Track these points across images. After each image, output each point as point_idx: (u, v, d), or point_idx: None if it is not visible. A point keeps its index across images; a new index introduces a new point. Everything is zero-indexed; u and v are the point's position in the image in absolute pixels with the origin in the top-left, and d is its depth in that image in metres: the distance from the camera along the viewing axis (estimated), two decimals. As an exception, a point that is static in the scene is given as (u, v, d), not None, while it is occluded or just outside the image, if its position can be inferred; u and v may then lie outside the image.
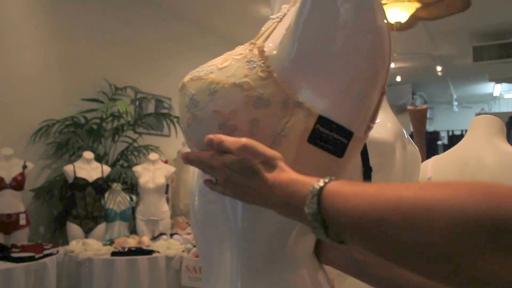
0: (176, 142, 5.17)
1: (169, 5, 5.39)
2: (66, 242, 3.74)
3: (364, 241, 0.48)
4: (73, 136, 4.18)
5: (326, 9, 0.60)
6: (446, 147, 8.89)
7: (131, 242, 3.67)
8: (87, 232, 3.84)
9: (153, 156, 4.39)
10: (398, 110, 7.68)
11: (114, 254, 3.42)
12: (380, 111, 0.67)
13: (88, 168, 3.91)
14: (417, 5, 3.85)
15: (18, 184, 3.42)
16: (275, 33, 0.67)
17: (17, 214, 3.42)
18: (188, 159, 0.64)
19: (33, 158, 3.83)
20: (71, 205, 3.84)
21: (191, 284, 3.35)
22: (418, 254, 0.42)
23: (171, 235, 4.14)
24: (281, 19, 0.70)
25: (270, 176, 0.56)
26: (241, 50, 0.64)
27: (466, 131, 1.68)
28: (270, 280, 0.67)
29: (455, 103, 11.00)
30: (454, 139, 9.24)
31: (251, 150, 0.57)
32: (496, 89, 9.43)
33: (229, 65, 0.62)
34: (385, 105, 1.03)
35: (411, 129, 3.48)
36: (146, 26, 5.21)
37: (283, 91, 0.60)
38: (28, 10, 4.07)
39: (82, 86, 4.44)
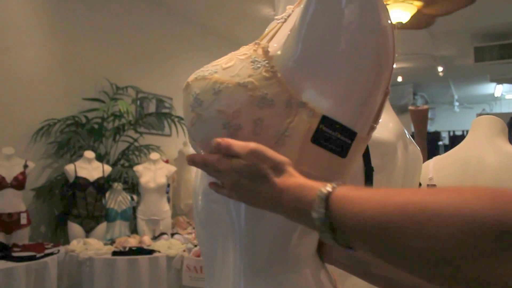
0: (177, 142, 5.18)
1: (171, 5, 5.39)
2: (67, 241, 3.74)
3: (371, 246, 0.48)
4: (74, 135, 4.18)
5: (330, 10, 0.60)
6: (447, 148, 8.90)
7: (132, 241, 3.68)
8: (88, 231, 3.84)
9: (154, 155, 4.39)
10: (399, 110, 7.67)
11: (115, 253, 3.42)
12: (381, 112, 0.67)
13: (89, 168, 3.92)
14: (418, 4, 3.85)
15: (19, 183, 3.42)
16: (279, 34, 0.67)
17: (18, 214, 3.42)
18: (193, 162, 0.64)
19: (34, 158, 3.84)
20: (72, 204, 3.84)
21: (192, 284, 3.35)
22: (424, 259, 0.42)
23: (172, 234, 4.14)
24: (285, 20, 0.70)
25: (279, 181, 0.56)
26: (246, 50, 0.64)
27: (467, 131, 1.68)
28: (273, 280, 0.67)
29: (456, 103, 10.99)
30: (455, 139, 9.24)
31: (260, 155, 0.57)
32: (497, 89, 9.43)
33: (233, 65, 0.62)
34: (386, 105, 1.03)
35: (412, 129, 3.48)
36: (148, 26, 5.21)
37: (287, 91, 0.60)
38: (29, 9, 4.07)
39: (83, 86, 4.44)
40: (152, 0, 5.26)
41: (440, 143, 9.97)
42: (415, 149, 1.12)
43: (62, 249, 3.41)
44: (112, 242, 3.70)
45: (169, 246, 3.64)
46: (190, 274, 3.35)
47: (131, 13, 5.05)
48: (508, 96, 10.52)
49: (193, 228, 4.39)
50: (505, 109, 10.54)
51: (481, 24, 5.89)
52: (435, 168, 1.62)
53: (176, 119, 4.83)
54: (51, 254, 3.23)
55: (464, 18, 4.75)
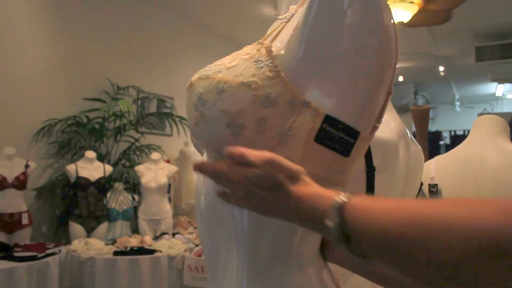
0: (178, 142, 5.18)
1: (171, 4, 5.39)
2: (68, 241, 3.74)
3: (384, 256, 0.48)
4: (75, 135, 4.18)
5: (333, 10, 0.60)
6: (448, 147, 8.89)
7: (133, 241, 3.68)
8: (89, 231, 3.84)
9: (155, 155, 4.39)
10: (401, 110, 7.65)
11: (116, 253, 3.43)
12: (383, 111, 0.67)
13: (90, 168, 3.92)
14: (419, 3, 3.85)
15: (20, 183, 3.43)
16: (282, 33, 0.67)
17: (20, 214, 3.42)
18: (202, 171, 0.63)
19: (35, 158, 3.84)
20: (73, 204, 3.84)
21: (193, 284, 3.35)
22: (435, 272, 0.42)
23: (173, 234, 4.14)
24: (289, 20, 0.70)
25: (295, 190, 0.56)
26: (249, 50, 0.65)
27: (468, 131, 1.68)
28: (276, 279, 0.67)
29: (458, 103, 10.97)
30: (456, 139, 9.24)
31: (275, 164, 0.57)
32: (499, 89, 9.42)
33: (237, 65, 0.62)
34: (388, 105, 1.03)
35: (414, 129, 3.48)
36: (148, 26, 5.21)
37: (291, 91, 0.60)
38: (30, 9, 4.08)
39: (84, 86, 4.44)
40: (153, 0, 5.27)
41: (441, 142, 9.97)
42: (417, 149, 1.12)
43: (63, 249, 3.41)
44: (113, 242, 3.71)
45: (170, 246, 3.64)
46: (192, 274, 3.35)
47: (132, 13, 5.05)
48: (509, 96, 10.51)
49: (194, 228, 4.39)
50: (506, 109, 10.54)
51: (483, 23, 5.88)
52: (437, 168, 1.61)
53: (177, 119, 4.83)
54: (53, 254, 3.23)
55: (466, 18, 4.74)
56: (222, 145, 0.62)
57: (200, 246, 3.37)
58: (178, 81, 4.79)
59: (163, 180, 4.25)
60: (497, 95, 10.02)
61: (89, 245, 3.50)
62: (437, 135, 9.91)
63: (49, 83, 4.15)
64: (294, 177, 0.57)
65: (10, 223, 3.36)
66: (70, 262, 3.40)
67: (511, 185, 1.44)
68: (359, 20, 0.59)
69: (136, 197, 4.34)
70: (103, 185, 3.95)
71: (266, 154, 0.57)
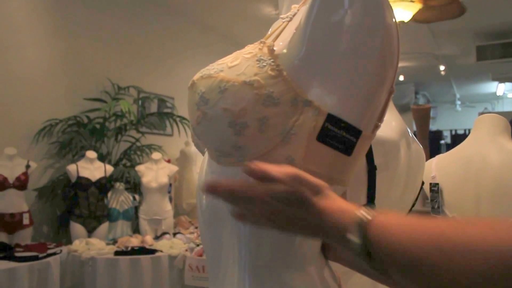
0: (179, 142, 5.18)
1: (172, 4, 5.39)
2: (69, 241, 3.74)
3: (406, 275, 0.48)
4: (76, 135, 4.18)
5: (335, 9, 0.60)
6: (449, 147, 8.88)
7: (134, 241, 3.68)
8: (90, 231, 3.84)
9: (156, 155, 4.40)
10: (401, 109, 7.61)
11: (117, 253, 3.43)
12: (384, 110, 0.67)
13: (91, 168, 3.92)
14: (420, 5, 3.84)
15: (21, 183, 3.43)
16: (285, 32, 0.67)
17: (21, 214, 3.42)
18: (215, 190, 0.59)
19: (36, 158, 3.84)
20: (74, 204, 3.85)
21: (194, 283, 3.36)
22: None
23: (174, 234, 4.15)
24: (291, 19, 0.70)
25: (319, 204, 0.55)
26: (251, 49, 0.65)
27: (469, 130, 1.68)
28: (278, 278, 0.67)
29: (458, 102, 10.97)
30: (457, 138, 9.24)
31: (299, 178, 0.56)
32: (499, 88, 9.41)
33: (239, 64, 0.62)
34: (390, 104, 1.03)
35: (414, 128, 3.48)
36: (149, 26, 5.21)
37: (293, 90, 0.60)
38: (30, 9, 4.08)
39: (85, 86, 4.45)
40: (153, 0, 5.27)
41: (442, 142, 9.97)
42: (418, 148, 1.11)
43: (64, 249, 3.42)
44: (114, 242, 3.71)
45: (171, 246, 3.64)
46: (192, 273, 3.35)
47: (132, 13, 5.05)
48: (510, 95, 10.50)
49: (195, 228, 4.39)
50: (507, 108, 10.53)
51: (483, 23, 5.88)
52: (438, 167, 1.61)
53: (178, 119, 4.83)
54: (54, 254, 3.23)
55: (466, 17, 4.73)
56: (224, 144, 0.62)
57: (201, 246, 3.38)
58: (179, 81, 4.80)
59: (164, 180, 4.25)
60: (498, 94, 10.02)
61: (90, 245, 3.51)
62: (438, 135, 9.91)
63: (49, 83, 4.15)
64: (318, 192, 0.56)
65: (11, 223, 3.36)
66: (71, 262, 3.41)
67: (513, 184, 1.44)
68: (361, 19, 0.59)
69: (137, 197, 4.35)
70: (104, 185, 3.95)
71: (289, 169, 0.56)
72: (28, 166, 3.53)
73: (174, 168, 4.50)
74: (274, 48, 0.63)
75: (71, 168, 3.84)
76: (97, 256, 3.33)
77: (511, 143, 1.53)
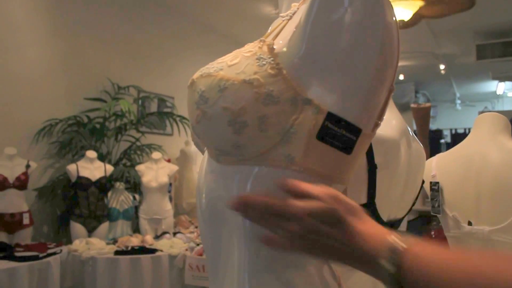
0: (179, 141, 5.18)
1: (171, 3, 5.39)
2: (69, 241, 3.75)
3: None
4: (76, 135, 4.19)
5: (335, 7, 0.60)
6: (449, 146, 8.89)
7: (134, 241, 3.68)
8: (90, 231, 3.85)
9: (156, 155, 4.40)
10: (401, 108, 7.61)
11: (117, 253, 3.43)
12: (384, 109, 0.67)
13: (91, 167, 3.92)
14: (420, 3, 3.84)
15: (21, 183, 3.43)
16: (284, 31, 0.67)
17: (21, 214, 3.43)
18: (246, 206, 0.58)
19: (36, 158, 3.84)
20: (74, 204, 3.85)
21: (194, 283, 3.36)
22: None
23: (174, 234, 4.15)
24: (291, 17, 0.70)
25: (353, 225, 0.54)
26: (251, 48, 0.65)
27: (469, 129, 1.68)
28: (278, 276, 0.67)
29: (458, 101, 10.97)
30: (457, 137, 9.24)
31: (336, 197, 0.55)
32: (499, 87, 9.41)
33: (239, 62, 0.62)
34: (390, 102, 1.02)
35: (414, 127, 3.48)
36: (149, 25, 5.21)
37: (293, 88, 0.60)
38: (30, 9, 4.08)
39: (85, 86, 4.45)
40: (153, 0, 5.26)
41: (442, 141, 9.97)
42: (418, 147, 1.11)
43: (64, 248, 3.42)
44: (114, 241, 3.71)
45: (171, 245, 3.64)
46: (193, 273, 3.35)
47: (132, 12, 5.05)
48: (510, 94, 10.50)
49: (195, 227, 4.40)
50: (507, 107, 10.52)
51: (483, 22, 5.88)
52: (438, 165, 1.61)
53: (177, 118, 4.83)
54: (54, 254, 3.24)
55: (466, 16, 4.73)
56: (223, 143, 0.62)
57: (201, 245, 3.38)
58: (179, 81, 4.80)
59: (164, 179, 4.25)
60: (498, 93, 10.02)
61: (90, 244, 3.51)
62: (438, 134, 9.91)
63: (49, 83, 4.15)
64: (354, 213, 0.55)
65: (11, 223, 3.37)
66: (71, 262, 3.41)
67: (513, 182, 1.43)
68: (361, 17, 0.59)
69: (137, 196, 4.35)
70: (104, 185, 3.96)
71: (326, 189, 0.56)
72: (28, 166, 3.53)
73: (174, 167, 4.50)
74: (274, 47, 0.63)
75: (71, 168, 3.84)
76: (97, 256, 3.34)
77: (511, 142, 1.53)
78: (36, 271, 3.03)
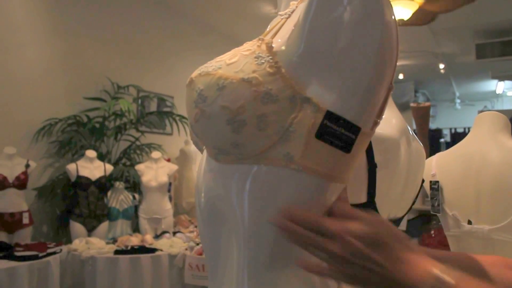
0: (178, 141, 5.18)
1: (171, 3, 5.39)
2: (69, 240, 3.75)
3: None
4: (75, 134, 4.19)
5: (333, 5, 0.60)
6: (449, 145, 8.89)
7: (134, 240, 3.68)
8: (90, 230, 3.85)
9: (155, 154, 4.40)
10: (401, 108, 7.59)
11: (117, 252, 3.43)
12: (384, 108, 0.67)
13: (91, 167, 3.92)
14: (419, 1, 3.84)
15: (21, 183, 3.43)
16: (283, 29, 0.67)
17: (20, 213, 3.43)
18: (292, 221, 0.57)
19: (36, 157, 3.84)
20: (74, 203, 3.85)
21: (194, 282, 3.36)
22: None
23: (174, 233, 4.15)
24: (289, 16, 0.70)
25: (398, 252, 0.53)
26: (249, 46, 0.64)
27: (469, 128, 1.68)
28: (277, 276, 0.67)
29: (458, 100, 10.97)
30: (457, 136, 9.24)
31: (382, 221, 0.55)
32: (499, 86, 9.41)
33: (237, 61, 0.62)
34: (389, 101, 1.03)
35: (414, 126, 3.48)
36: (148, 25, 5.21)
37: (291, 87, 0.60)
38: (30, 9, 4.08)
39: (85, 85, 4.45)
40: (153, 0, 5.27)
41: (442, 140, 9.98)
42: (418, 146, 1.11)
43: (64, 248, 3.42)
44: (114, 241, 3.71)
45: (171, 245, 3.64)
46: (192, 272, 3.35)
47: (132, 12, 5.05)
48: (509, 93, 10.50)
49: (195, 227, 4.40)
50: (506, 106, 10.52)
51: (483, 21, 5.87)
52: (438, 164, 1.61)
53: (177, 118, 4.83)
54: (54, 253, 3.24)
55: (466, 15, 4.74)
56: (222, 142, 0.62)
57: (200, 245, 3.38)
58: (178, 80, 4.79)
59: (164, 179, 4.25)
60: (497, 92, 10.02)
61: (90, 244, 3.51)
62: (438, 133, 9.92)
63: (49, 83, 4.15)
64: (400, 240, 0.54)
65: (11, 222, 3.36)
66: (71, 261, 3.41)
67: (513, 181, 1.43)
68: (360, 16, 0.59)
69: (136, 196, 4.35)
70: (103, 184, 3.96)
71: (374, 214, 0.55)
72: (27, 166, 3.53)
73: (173, 167, 4.50)
74: (273, 45, 0.63)
75: (71, 167, 3.84)
76: (97, 255, 3.34)
77: (511, 141, 1.53)
78: (36, 271, 3.03)
